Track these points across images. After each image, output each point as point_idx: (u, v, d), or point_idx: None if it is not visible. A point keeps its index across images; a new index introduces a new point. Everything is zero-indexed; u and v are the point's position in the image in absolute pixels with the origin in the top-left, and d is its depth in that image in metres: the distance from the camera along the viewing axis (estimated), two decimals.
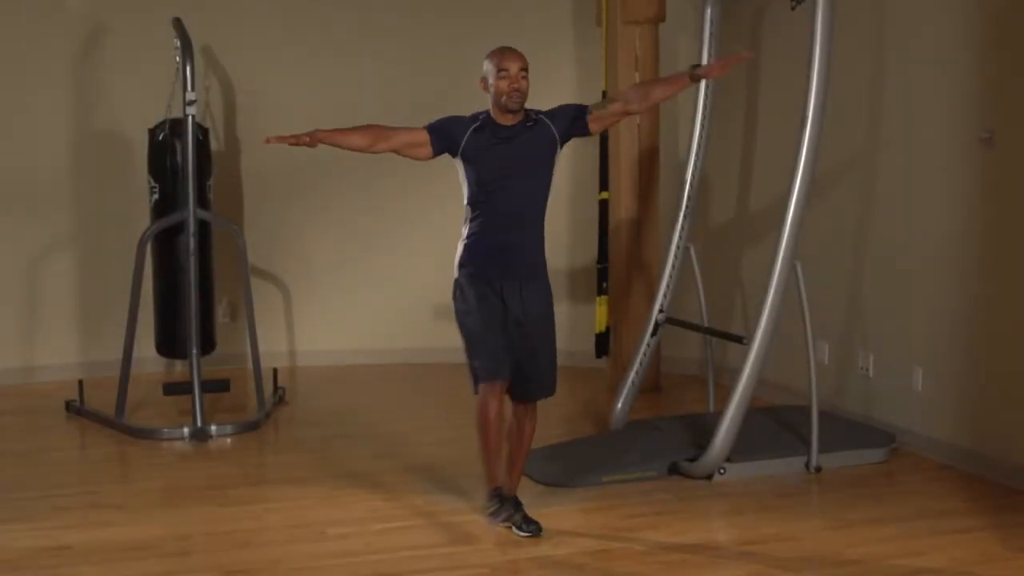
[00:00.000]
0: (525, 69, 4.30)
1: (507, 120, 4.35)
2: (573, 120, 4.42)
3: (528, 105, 4.41)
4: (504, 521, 4.45)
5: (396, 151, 4.42)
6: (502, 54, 4.32)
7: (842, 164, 5.91)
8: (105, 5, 7.16)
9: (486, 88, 4.35)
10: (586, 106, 4.47)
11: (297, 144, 4.29)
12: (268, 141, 4.33)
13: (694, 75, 4.45)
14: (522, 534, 4.43)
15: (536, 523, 4.46)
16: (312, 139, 4.30)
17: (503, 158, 4.32)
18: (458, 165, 4.41)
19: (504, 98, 4.29)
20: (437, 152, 4.40)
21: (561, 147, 4.43)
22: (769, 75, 6.62)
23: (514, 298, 4.40)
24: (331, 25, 7.49)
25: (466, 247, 4.41)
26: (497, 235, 4.37)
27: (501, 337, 4.38)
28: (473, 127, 4.36)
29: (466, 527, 4.56)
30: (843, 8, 5.17)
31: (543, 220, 4.45)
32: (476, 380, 4.42)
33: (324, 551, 4.35)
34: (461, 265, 4.43)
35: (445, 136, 4.37)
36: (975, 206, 5.26)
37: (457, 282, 4.46)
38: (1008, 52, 5.06)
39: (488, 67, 4.33)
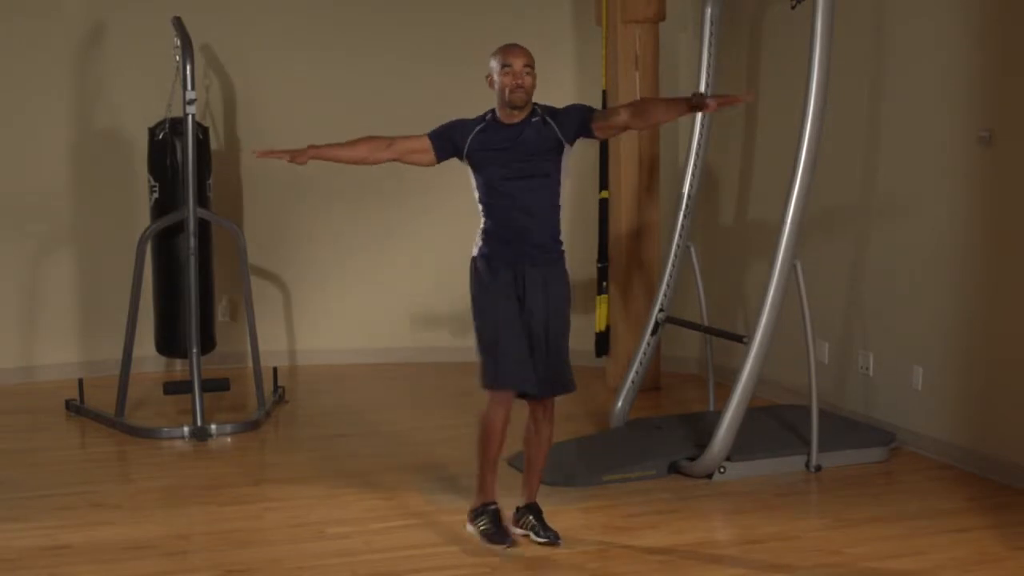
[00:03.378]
0: (530, 65, 4.25)
1: (512, 118, 4.29)
2: (582, 122, 4.34)
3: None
4: (499, 540, 4.31)
5: (398, 159, 4.35)
6: (506, 50, 4.28)
7: (842, 164, 5.91)
8: (105, 4, 7.16)
9: (492, 85, 4.30)
10: (593, 109, 4.41)
11: (291, 161, 4.25)
12: (260, 155, 4.30)
13: (692, 104, 4.26)
14: (540, 540, 4.38)
15: (554, 531, 4.39)
16: (304, 155, 4.24)
17: (505, 160, 4.27)
18: (467, 167, 4.37)
19: (508, 93, 4.24)
20: (441, 158, 4.34)
21: (571, 146, 4.34)
22: (769, 75, 6.62)
23: (533, 286, 4.28)
24: (331, 25, 7.48)
25: (483, 237, 4.34)
26: (509, 232, 4.30)
27: (521, 341, 4.25)
28: (478, 128, 4.31)
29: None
30: (843, 8, 5.17)
31: (557, 212, 4.35)
32: (486, 379, 4.27)
33: (323, 550, 4.35)
34: (480, 252, 4.34)
35: (448, 141, 4.32)
36: (974, 206, 5.25)
37: (474, 264, 4.36)
38: (1008, 52, 5.06)
39: (492, 64, 4.29)
